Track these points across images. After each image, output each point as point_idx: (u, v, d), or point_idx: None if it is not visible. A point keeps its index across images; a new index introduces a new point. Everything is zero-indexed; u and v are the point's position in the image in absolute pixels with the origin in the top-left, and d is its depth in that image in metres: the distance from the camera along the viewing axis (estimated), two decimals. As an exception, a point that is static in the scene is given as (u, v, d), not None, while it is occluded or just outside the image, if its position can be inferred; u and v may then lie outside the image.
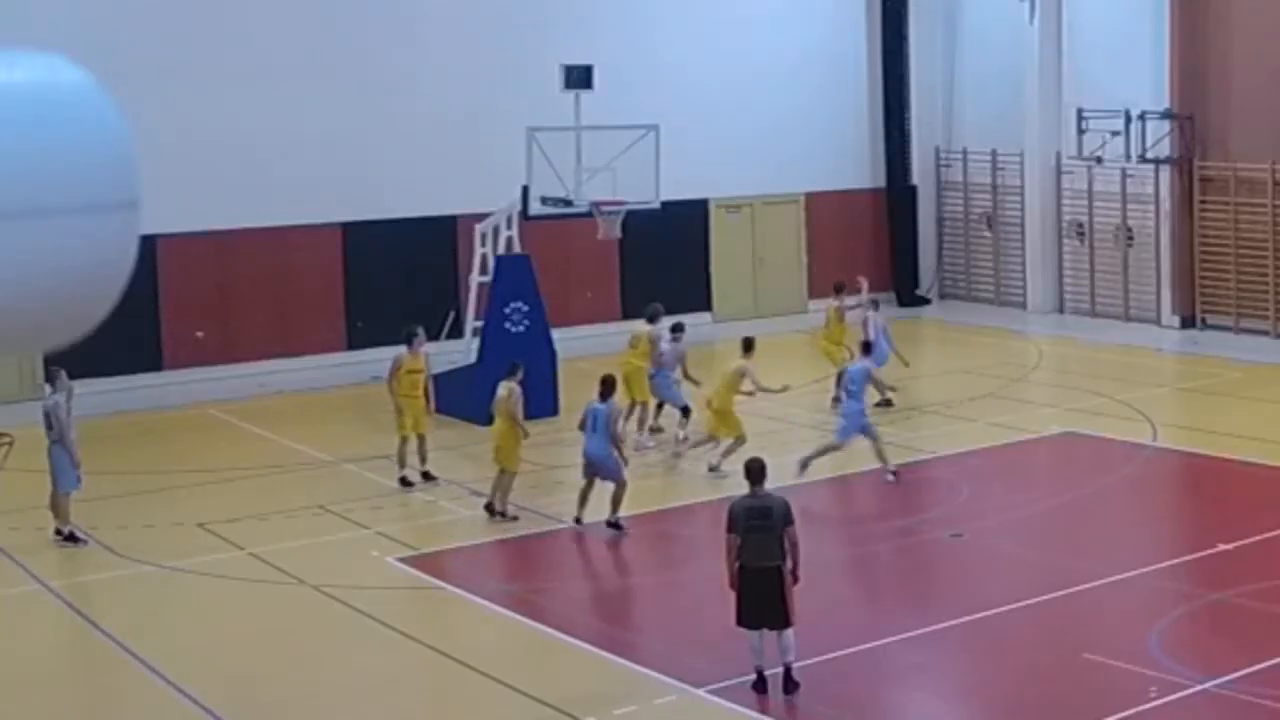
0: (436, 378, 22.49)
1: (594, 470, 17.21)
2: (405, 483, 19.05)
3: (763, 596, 12.23)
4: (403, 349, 19.52)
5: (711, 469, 19.09)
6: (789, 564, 12.31)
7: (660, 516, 18.09)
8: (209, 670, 13.39)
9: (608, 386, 17.33)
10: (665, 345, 21.21)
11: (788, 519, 12.37)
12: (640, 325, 21.84)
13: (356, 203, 27.52)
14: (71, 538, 17.00)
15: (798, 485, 19.12)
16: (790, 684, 12.27)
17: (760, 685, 12.30)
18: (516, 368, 18.21)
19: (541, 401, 21.14)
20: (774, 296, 32.47)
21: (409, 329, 19.66)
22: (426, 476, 19.25)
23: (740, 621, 12.38)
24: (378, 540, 16.97)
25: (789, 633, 12.26)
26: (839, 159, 33.21)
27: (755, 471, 12.74)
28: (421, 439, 19.29)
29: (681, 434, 20.61)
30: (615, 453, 17.12)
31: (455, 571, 16.10)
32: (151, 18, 25.78)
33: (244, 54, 26.57)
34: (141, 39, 25.31)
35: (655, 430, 21.32)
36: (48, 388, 17.54)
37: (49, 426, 17.07)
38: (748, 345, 20.11)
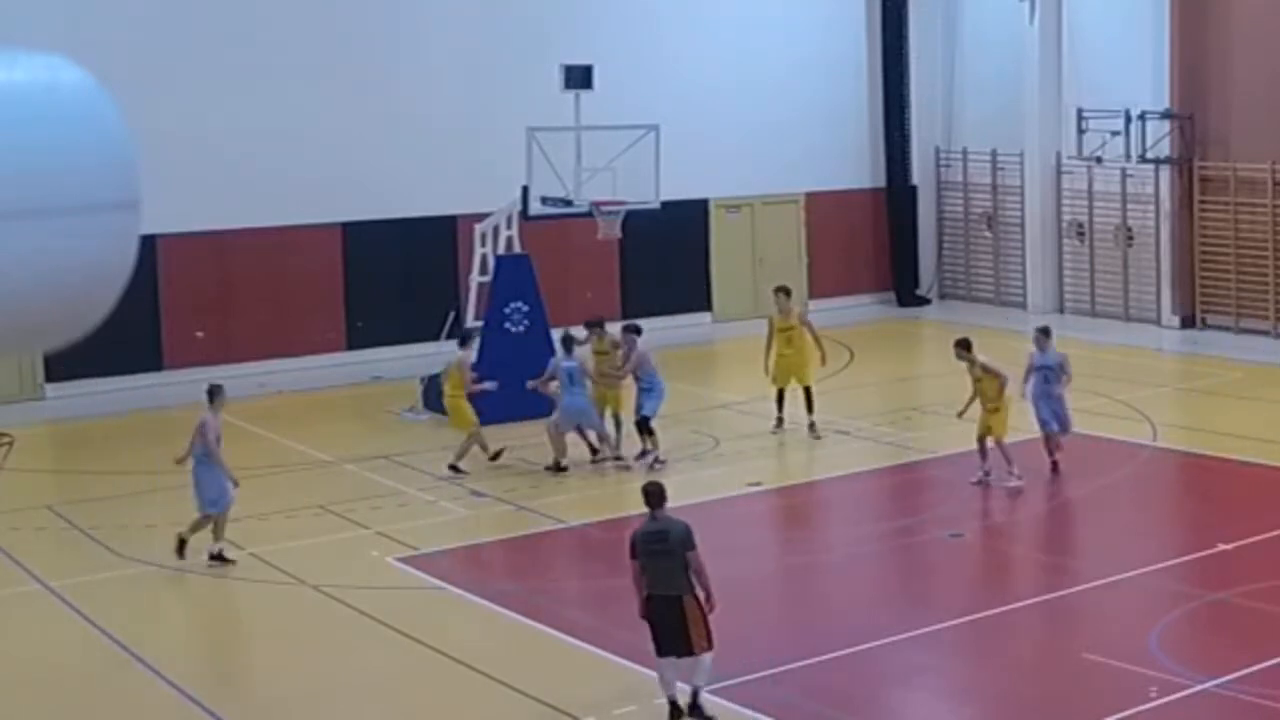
0: (435, 377, 22.54)
1: (577, 422, 19.54)
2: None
3: (668, 625, 11.63)
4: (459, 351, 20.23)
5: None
6: (700, 591, 11.63)
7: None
8: (210, 670, 13.40)
9: (568, 342, 19.77)
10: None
11: (687, 544, 11.65)
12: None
13: (356, 203, 27.51)
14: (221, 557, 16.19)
15: (796, 485, 19.13)
16: (695, 710, 11.67)
17: (672, 715, 11.69)
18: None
19: (540, 401, 21.10)
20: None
21: (467, 329, 20.86)
22: (455, 470, 19.57)
23: (656, 650, 11.80)
24: (378, 540, 16.97)
25: (704, 658, 11.68)
26: (839, 159, 33.20)
27: (653, 495, 12.01)
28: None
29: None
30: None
31: (455, 571, 16.09)
32: (151, 17, 25.77)
33: (244, 54, 26.56)
34: (141, 39, 25.31)
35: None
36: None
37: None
38: (966, 345, 18.75)
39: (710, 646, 11.65)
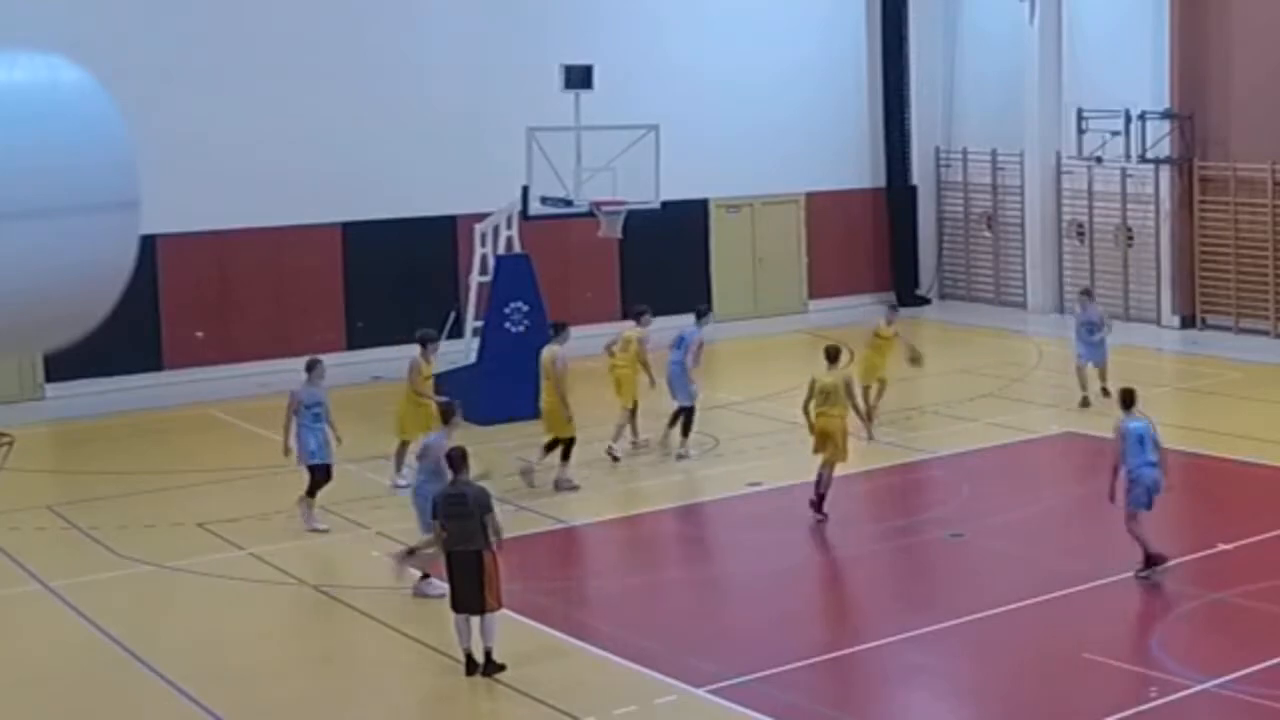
0: (436, 377, 22.48)
1: None
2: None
3: (464, 581, 12.77)
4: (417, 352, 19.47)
5: None
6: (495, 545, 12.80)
7: (660, 517, 18.11)
8: (210, 670, 13.39)
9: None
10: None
11: (484, 506, 12.84)
12: (629, 327, 21.46)
13: (356, 203, 27.51)
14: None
15: (796, 485, 19.09)
16: (490, 666, 12.78)
17: (469, 668, 12.79)
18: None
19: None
20: (774, 296, 32.48)
21: (424, 332, 19.72)
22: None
23: (451, 605, 12.93)
24: (378, 540, 16.96)
25: (490, 617, 12.76)
26: (839, 159, 33.20)
27: (455, 460, 13.18)
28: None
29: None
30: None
31: (455, 571, 16.04)
32: (151, 17, 25.78)
33: (244, 54, 26.57)
34: (141, 39, 25.31)
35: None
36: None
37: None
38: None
39: (499, 605, 12.86)
